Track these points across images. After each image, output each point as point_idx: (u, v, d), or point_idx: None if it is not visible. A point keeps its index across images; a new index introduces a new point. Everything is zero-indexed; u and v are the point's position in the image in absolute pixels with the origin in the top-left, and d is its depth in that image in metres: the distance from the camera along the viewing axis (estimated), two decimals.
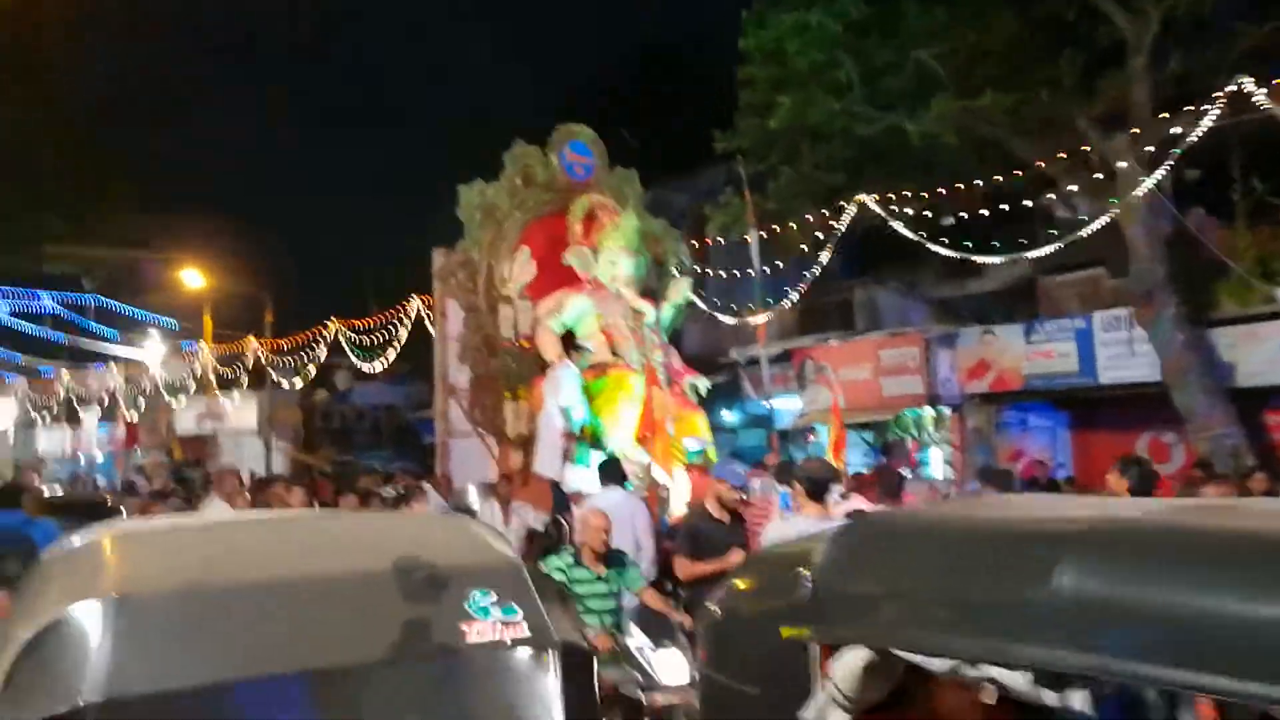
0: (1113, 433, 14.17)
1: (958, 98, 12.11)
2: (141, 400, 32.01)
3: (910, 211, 14.16)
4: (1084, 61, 12.34)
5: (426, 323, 22.79)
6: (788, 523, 4.42)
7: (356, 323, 25.23)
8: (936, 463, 15.61)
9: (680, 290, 10.81)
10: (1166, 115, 10.69)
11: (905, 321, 17.14)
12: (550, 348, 10.08)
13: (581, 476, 8.78)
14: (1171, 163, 10.45)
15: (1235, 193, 12.46)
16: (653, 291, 10.80)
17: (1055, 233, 13.97)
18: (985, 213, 14.41)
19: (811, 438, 17.84)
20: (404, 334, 23.25)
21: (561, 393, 9.12)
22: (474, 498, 10.52)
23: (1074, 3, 11.88)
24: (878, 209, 13.98)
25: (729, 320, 15.90)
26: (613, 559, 4.95)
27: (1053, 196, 14.93)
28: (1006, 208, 14.03)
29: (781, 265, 16.24)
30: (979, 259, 13.04)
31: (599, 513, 5.22)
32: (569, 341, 10.16)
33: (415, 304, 22.90)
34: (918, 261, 18.08)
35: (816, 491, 4.42)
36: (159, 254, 29.13)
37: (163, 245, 30.28)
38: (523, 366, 10.09)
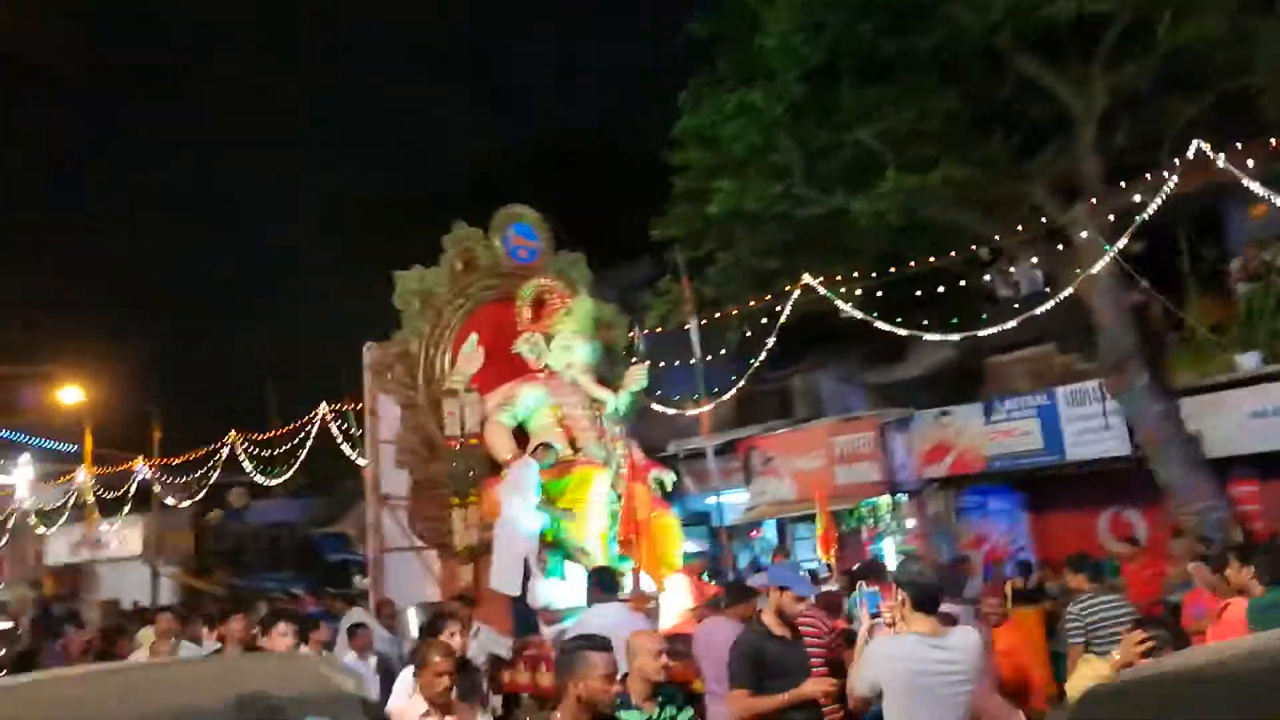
0: (1072, 512, 13.75)
1: (901, 176, 11.81)
2: (6, 529, 29.21)
3: (855, 293, 13.80)
4: (1022, 138, 12.32)
5: (334, 430, 21.53)
6: (901, 640, 3.49)
7: (257, 436, 23.55)
8: (890, 553, 14.91)
9: (636, 377, 9.95)
10: (1124, 184, 10.56)
11: (847, 408, 16.64)
12: (503, 444, 9.03)
13: (554, 590, 7.66)
14: (1133, 230, 10.24)
15: (1183, 263, 12.43)
16: (606, 380, 9.93)
17: (999, 312, 13.82)
18: (926, 292, 14.23)
19: (756, 533, 17.00)
20: (307, 444, 21.80)
21: (524, 493, 8.04)
22: (413, 622, 9.27)
23: (1008, 80, 11.85)
24: (824, 291, 13.55)
25: (668, 411, 15.11)
26: (665, 695, 3.89)
27: (988, 278, 14.83)
28: (943, 289, 13.85)
29: (720, 354, 15.65)
30: (931, 336, 12.62)
31: (652, 633, 4.17)
32: (521, 438, 9.14)
33: (322, 410, 21.60)
34: (856, 347, 17.83)
35: (926, 602, 3.53)
36: (34, 368, 26.82)
37: (39, 358, 28.01)
38: (471, 468, 8.98)
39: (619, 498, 8.66)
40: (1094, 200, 10.83)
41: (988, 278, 14.74)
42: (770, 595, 4.40)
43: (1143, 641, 3.70)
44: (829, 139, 13.50)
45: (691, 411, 14.81)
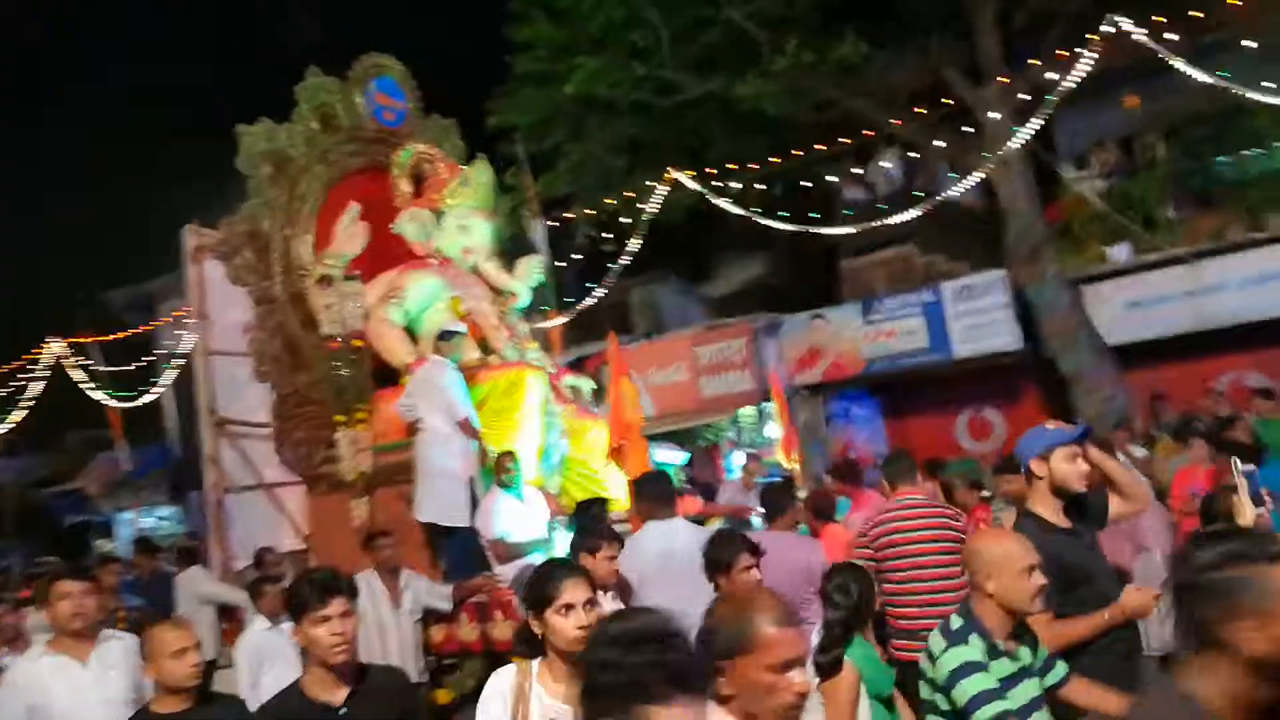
0: (928, 415, 13.61)
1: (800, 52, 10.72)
2: None
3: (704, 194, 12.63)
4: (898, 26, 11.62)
5: (73, 370, 17.81)
6: None
7: None
8: (737, 465, 14.18)
9: (531, 269, 8.22)
10: (1037, 62, 10.05)
11: (687, 322, 15.66)
12: (398, 345, 7.10)
13: (510, 517, 5.95)
14: (1045, 110, 9.76)
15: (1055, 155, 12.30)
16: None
17: (862, 213, 13.26)
18: (782, 194, 13.38)
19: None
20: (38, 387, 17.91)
21: (448, 399, 6.21)
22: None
23: None
24: (695, 186, 12.33)
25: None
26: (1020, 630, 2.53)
27: (835, 179, 14.20)
28: (805, 187, 13.10)
29: (569, 259, 14.11)
30: (828, 231, 11.78)
31: (1020, 537, 2.73)
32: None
33: (56, 346, 17.81)
34: (683, 258, 16.81)
35: None
36: None
37: None
38: (357, 376, 6.96)
39: (549, 406, 7.07)
40: (1004, 80, 10.28)
41: (835, 179, 14.12)
42: (1039, 469, 3.11)
43: None
44: (697, 16, 12.20)
45: (542, 325, 13.19)
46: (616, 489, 6.94)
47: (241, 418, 7.84)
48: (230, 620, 7.15)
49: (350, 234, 7.22)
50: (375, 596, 5.53)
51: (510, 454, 6.15)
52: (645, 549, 4.34)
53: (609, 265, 13.22)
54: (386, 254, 7.69)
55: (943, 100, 10.69)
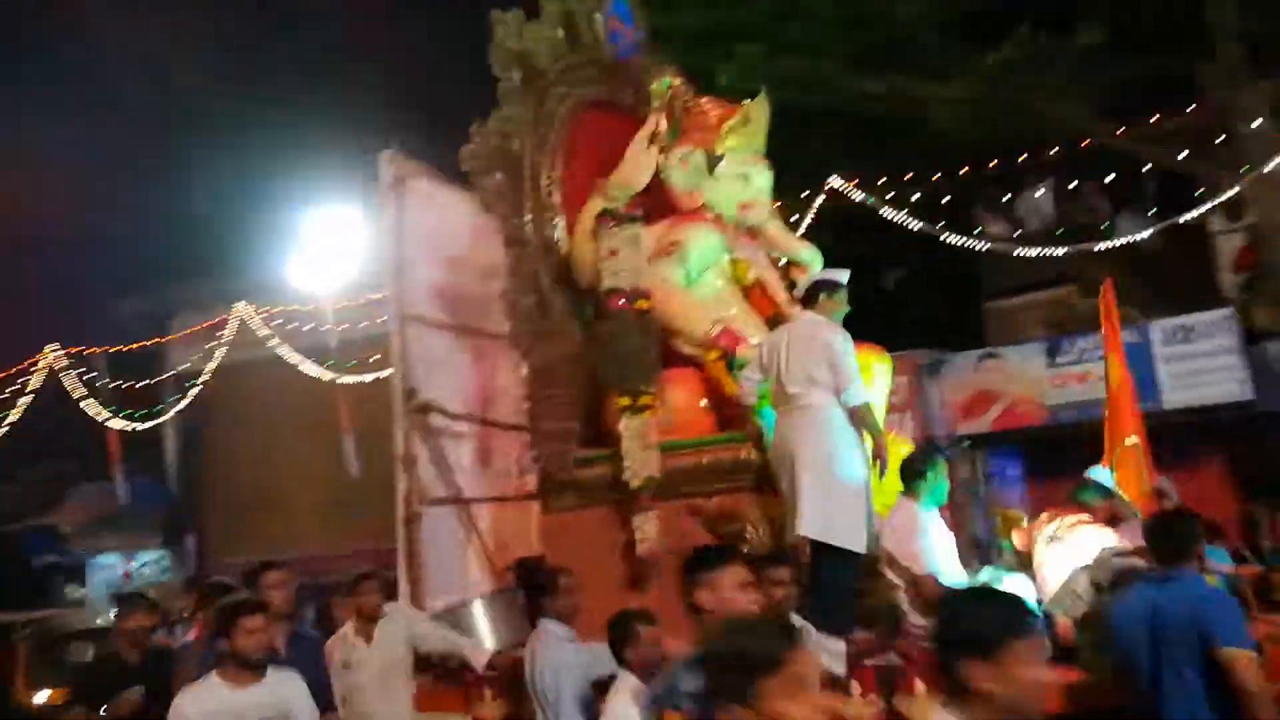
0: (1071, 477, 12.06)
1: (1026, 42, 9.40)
2: None
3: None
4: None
5: (68, 382, 15.46)
6: None
7: None
8: None
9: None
10: None
11: None
12: (696, 312, 5.34)
13: (940, 537, 4.15)
14: None
15: None
16: None
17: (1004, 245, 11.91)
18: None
19: None
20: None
21: (846, 370, 4.42)
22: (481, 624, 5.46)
23: None
24: (859, 195, 10.87)
25: None
26: None
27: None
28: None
29: None
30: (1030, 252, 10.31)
31: None
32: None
33: (50, 354, 15.47)
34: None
35: None
36: None
37: None
38: (642, 348, 5.13)
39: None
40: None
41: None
42: None
43: None
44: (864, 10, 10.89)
45: None
46: None
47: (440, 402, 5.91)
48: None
49: (641, 162, 5.47)
50: None
51: (930, 450, 4.38)
52: None
53: None
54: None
55: (1171, 105, 9.40)
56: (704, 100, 6.34)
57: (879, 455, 4.30)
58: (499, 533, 6.25)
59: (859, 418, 4.38)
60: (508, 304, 5.33)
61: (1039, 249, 11.41)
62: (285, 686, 3.60)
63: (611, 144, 6.18)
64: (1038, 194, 12.80)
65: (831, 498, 4.21)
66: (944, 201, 11.67)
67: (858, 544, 4.21)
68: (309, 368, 13.77)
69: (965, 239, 11.26)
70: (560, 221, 5.69)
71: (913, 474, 4.32)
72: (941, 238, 11.07)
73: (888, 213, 10.94)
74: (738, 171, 6.04)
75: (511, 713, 4.98)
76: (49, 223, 16.60)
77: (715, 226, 5.87)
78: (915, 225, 11.11)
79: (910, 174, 11.35)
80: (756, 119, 6.24)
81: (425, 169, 6.13)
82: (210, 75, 17.53)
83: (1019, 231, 13.14)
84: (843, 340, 4.52)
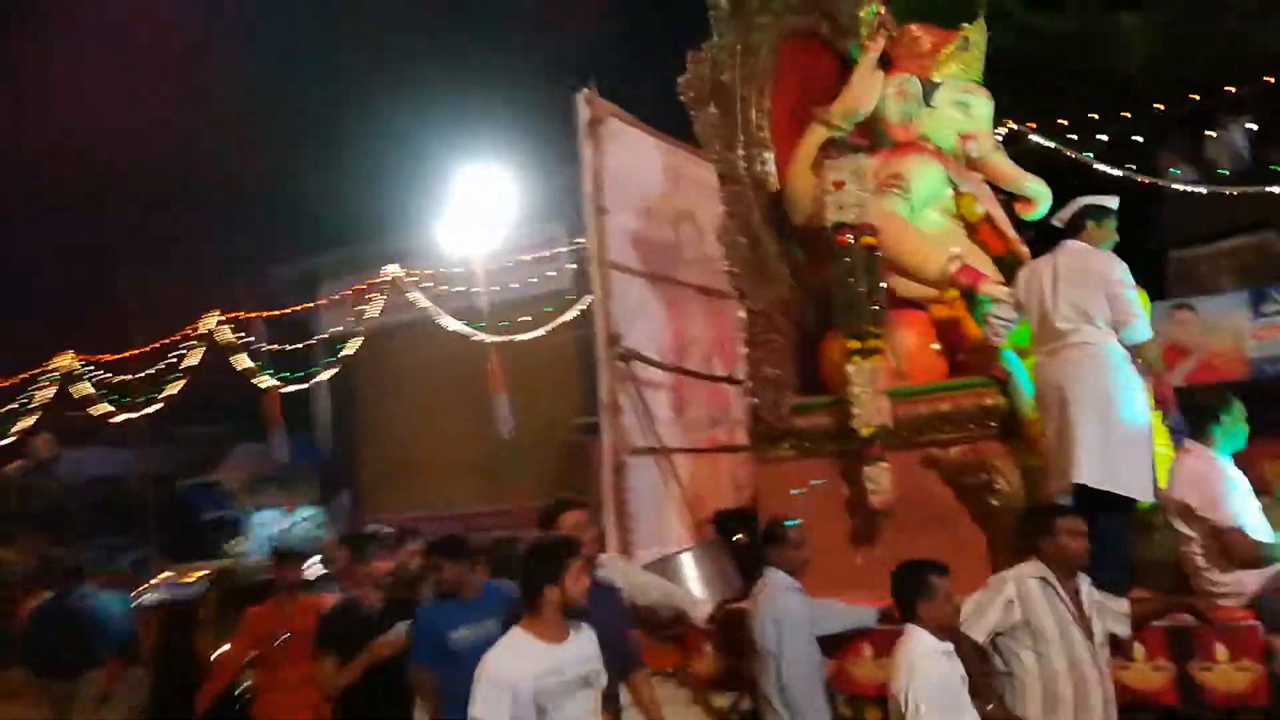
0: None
1: None
2: None
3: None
4: None
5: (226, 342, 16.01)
6: None
7: (106, 357, 17.31)
8: None
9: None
10: None
11: None
12: (928, 249, 4.97)
13: (1241, 488, 3.73)
14: None
15: None
16: None
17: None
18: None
19: None
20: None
21: (1127, 303, 4.03)
22: (691, 579, 5.25)
23: None
24: (1046, 142, 10.17)
25: None
26: None
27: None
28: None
29: None
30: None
31: None
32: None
33: (211, 320, 16.02)
34: None
35: None
36: None
37: None
38: (869, 287, 4.79)
39: None
40: None
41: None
42: None
43: None
44: None
45: None
46: None
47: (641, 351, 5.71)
48: None
49: (870, 85, 5.10)
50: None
51: (1223, 391, 3.94)
52: None
53: None
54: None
55: None
56: (913, 26, 5.91)
57: (1162, 397, 3.88)
58: (696, 485, 6.07)
59: (1142, 356, 3.97)
60: (724, 245, 5.04)
61: (1234, 188, 10.55)
62: (590, 636, 3.25)
63: (811, 77, 5.85)
64: (1231, 132, 11.80)
65: (1113, 443, 3.82)
66: (1126, 144, 10.90)
67: (1144, 492, 3.82)
68: (459, 328, 13.85)
69: (1153, 179, 10.48)
70: (770, 156, 5.36)
71: (1207, 417, 3.89)
72: (1127, 180, 10.32)
73: (1067, 155, 10.23)
74: (957, 99, 5.61)
75: (727, 668, 4.79)
76: (215, 190, 17.13)
77: (936, 158, 5.47)
78: (1098, 168, 10.39)
79: (1092, 115, 10.63)
80: (975, 43, 5.80)
81: (617, 109, 5.93)
82: (364, 34, 17.67)
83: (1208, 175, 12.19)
84: (1122, 270, 4.10)
